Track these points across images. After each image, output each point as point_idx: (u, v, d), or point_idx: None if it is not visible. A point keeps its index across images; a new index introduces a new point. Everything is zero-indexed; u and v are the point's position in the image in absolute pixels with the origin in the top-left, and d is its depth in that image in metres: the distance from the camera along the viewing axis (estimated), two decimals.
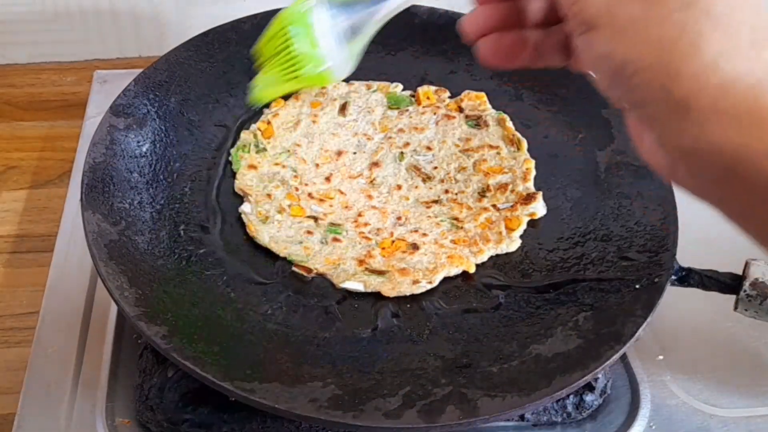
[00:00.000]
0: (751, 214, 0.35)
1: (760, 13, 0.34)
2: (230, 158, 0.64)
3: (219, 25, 0.71)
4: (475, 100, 0.69)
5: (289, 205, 0.60)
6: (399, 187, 0.63)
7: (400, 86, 0.70)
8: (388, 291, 0.56)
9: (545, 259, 0.58)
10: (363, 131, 0.67)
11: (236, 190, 0.61)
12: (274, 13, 0.72)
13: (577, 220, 0.61)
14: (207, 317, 0.52)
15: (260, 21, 0.71)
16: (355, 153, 0.65)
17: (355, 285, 0.56)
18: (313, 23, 0.57)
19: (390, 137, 0.66)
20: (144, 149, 0.61)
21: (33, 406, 0.55)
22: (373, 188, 0.63)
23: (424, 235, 0.59)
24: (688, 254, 0.57)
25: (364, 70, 0.71)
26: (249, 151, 0.64)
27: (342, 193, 0.62)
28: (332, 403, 0.47)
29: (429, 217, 0.61)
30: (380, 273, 0.57)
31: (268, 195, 0.61)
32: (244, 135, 0.65)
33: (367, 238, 0.59)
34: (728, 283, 0.55)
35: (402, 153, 0.65)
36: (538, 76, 0.71)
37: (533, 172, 0.64)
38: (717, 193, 0.35)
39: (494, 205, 0.62)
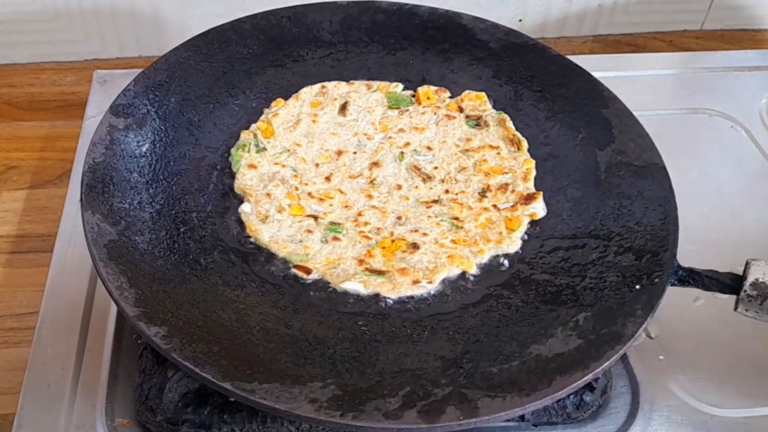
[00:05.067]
0: None
1: None
2: (230, 158, 0.64)
3: (219, 25, 0.71)
4: (476, 100, 0.69)
5: (289, 205, 0.60)
6: (399, 186, 0.63)
7: (401, 86, 0.70)
8: (388, 291, 0.55)
9: (546, 259, 0.58)
10: (363, 131, 0.67)
11: (236, 189, 0.61)
12: (274, 13, 0.73)
13: (578, 220, 0.61)
14: (207, 317, 0.52)
15: (260, 21, 0.72)
16: (355, 153, 0.65)
17: (354, 285, 0.56)
18: None
19: (390, 137, 0.66)
20: (144, 149, 0.61)
21: (33, 406, 0.55)
22: (373, 188, 0.63)
23: (425, 234, 0.59)
24: (688, 254, 0.57)
25: (364, 70, 0.71)
26: (249, 151, 0.64)
27: (342, 192, 0.62)
28: (332, 403, 0.47)
29: (429, 217, 0.61)
30: (380, 273, 0.57)
31: (268, 194, 0.61)
32: (244, 135, 0.65)
33: (367, 237, 0.59)
34: (728, 284, 0.55)
35: (402, 153, 0.65)
36: (538, 76, 0.71)
37: (533, 173, 0.64)
38: None
39: (495, 206, 0.62)
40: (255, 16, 0.72)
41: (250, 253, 0.58)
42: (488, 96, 0.69)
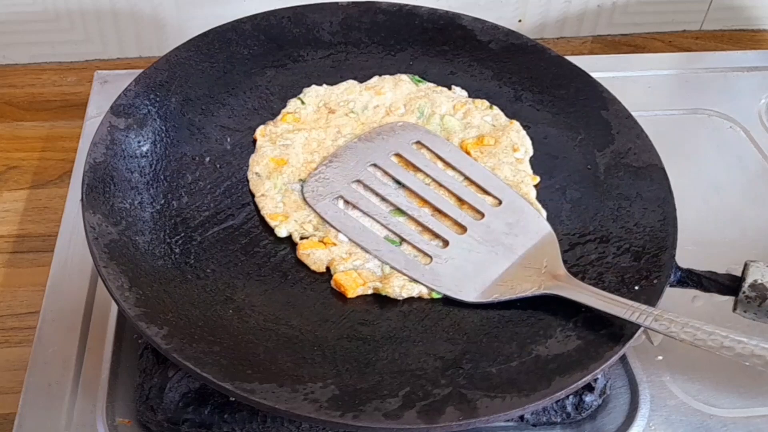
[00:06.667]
0: None
1: None
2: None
3: (219, 25, 0.71)
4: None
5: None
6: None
7: None
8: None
9: None
10: None
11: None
12: (274, 13, 0.73)
13: (577, 221, 0.61)
14: (207, 317, 0.52)
15: (260, 21, 0.72)
16: None
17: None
18: None
19: None
20: (144, 149, 0.61)
21: (33, 406, 0.55)
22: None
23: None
24: (687, 255, 0.57)
25: (364, 71, 0.71)
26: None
27: None
28: (332, 403, 0.47)
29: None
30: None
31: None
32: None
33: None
34: (727, 285, 0.55)
35: None
36: (538, 77, 0.71)
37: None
38: None
39: None
40: (255, 16, 0.72)
41: (250, 254, 0.58)
42: (488, 97, 0.69)
